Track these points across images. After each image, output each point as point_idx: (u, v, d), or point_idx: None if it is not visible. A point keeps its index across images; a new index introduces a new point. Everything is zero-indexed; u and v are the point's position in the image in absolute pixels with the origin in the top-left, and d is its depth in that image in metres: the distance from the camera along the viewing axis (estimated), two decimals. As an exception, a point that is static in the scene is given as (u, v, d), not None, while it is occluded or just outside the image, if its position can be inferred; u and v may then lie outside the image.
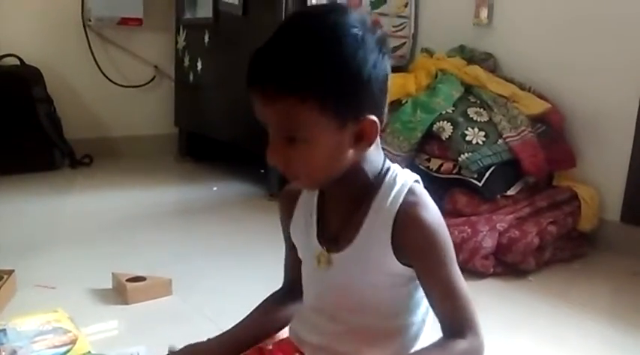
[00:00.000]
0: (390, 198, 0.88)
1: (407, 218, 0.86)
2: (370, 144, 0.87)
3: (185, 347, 1.06)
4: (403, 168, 0.94)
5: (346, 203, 0.92)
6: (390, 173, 0.91)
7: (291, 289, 1.08)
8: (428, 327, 0.96)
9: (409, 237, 0.86)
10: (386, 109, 0.89)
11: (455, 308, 0.87)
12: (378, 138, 0.90)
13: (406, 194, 0.88)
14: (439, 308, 0.88)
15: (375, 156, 0.91)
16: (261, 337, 1.08)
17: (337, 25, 0.82)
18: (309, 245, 0.96)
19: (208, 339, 1.07)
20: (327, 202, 0.96)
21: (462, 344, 0.84)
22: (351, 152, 0.86)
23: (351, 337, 0.94)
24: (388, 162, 0.93)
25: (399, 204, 0.87)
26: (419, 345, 0.94)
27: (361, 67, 0.81)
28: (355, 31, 0.82)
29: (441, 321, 0.88)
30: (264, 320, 1.08)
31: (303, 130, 0.82)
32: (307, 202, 0.98)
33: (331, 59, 0.80)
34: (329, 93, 0.80)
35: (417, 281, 0.91)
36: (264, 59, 0.83)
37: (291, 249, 1.05)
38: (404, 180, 0.90)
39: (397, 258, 0.88)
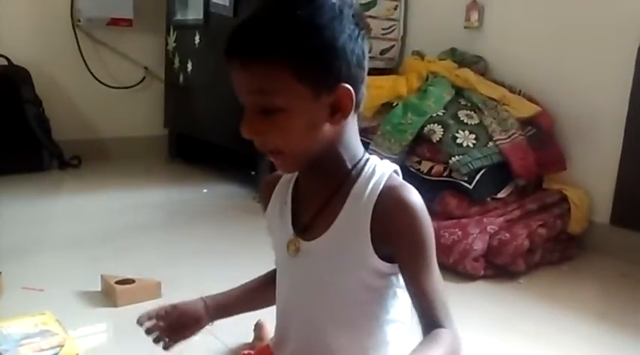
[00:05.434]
0: (370, 186, 0.87)
1: (390, 199, 0.85)
2: (345, 116, 0.86)
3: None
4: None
5: (323, 191, 0.90)
6: (369, 163, 0.90)
7: None
8: (400, 329, 0.93)
9: (392, 218, 0.84)
10: (364, 87, 0.88)
11: (435, 304, 0.85)
12: (356, 127, 0.90)
13: (387, 180, 0.87)
14: (419, 300, 0.86)
15: (354, 144, 0.91)
16: (253, 305, 1.13)
17: None
18: (282, 232, 0.95)
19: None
20: (302, 190, 0.95)
21: (447, 334, 0.83)
22: (327, 126, 0.85)
23: (322, 339, 0.92)
24: (367, 154, 0.92)
25: (379, 190, 0.86)
26: (392, 349, 0.92)
27: (336, 36, 0.82)
28: (333, 0, 0.83)
29: (420, 314, 0.86)
30: (260, 294, 1.10)
31: (278, 97, 0.82)
32: (283, 189, 0.98)
33: (305, 25, 0.81)
34: (302, 58, 0.81)
35: (392, 283, 0.89)
36: (241, 30, 0.84)
37: None
38: (383, 169, 0.89)
39: (375, 250, 0.86)
